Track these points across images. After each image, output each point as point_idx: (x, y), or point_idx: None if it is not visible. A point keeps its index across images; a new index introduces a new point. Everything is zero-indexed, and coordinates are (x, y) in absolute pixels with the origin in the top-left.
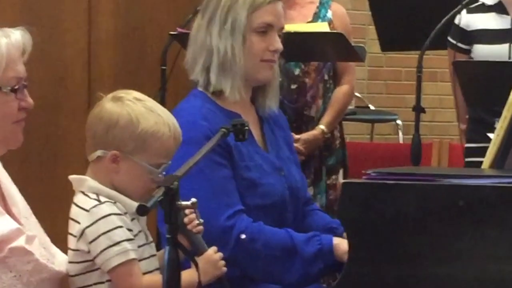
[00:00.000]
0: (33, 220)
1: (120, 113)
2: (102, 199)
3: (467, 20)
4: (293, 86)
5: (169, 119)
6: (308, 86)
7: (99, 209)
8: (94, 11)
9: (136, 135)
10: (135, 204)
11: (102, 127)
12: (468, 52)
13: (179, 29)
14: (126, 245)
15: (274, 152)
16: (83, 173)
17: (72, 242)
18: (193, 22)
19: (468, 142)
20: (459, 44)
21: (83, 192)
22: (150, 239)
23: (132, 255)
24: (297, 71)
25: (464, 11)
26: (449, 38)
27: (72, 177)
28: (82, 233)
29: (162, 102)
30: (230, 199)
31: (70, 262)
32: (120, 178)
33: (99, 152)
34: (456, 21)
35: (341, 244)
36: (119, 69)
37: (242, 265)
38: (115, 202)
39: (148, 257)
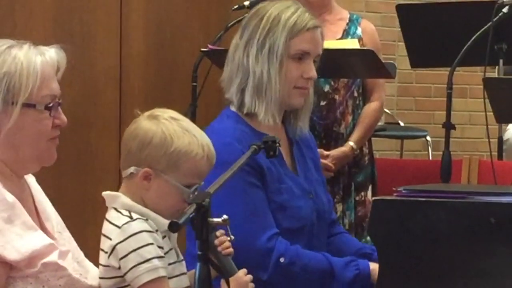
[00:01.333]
0: (66, 234)
1: (155, 131)
2: (134, 215)
3: None
4: (323, 103)
5: (203, 140)
6: (337, 102)
7: (130, 226)
8: (125, 28)
9: (169, 153)
10: (166, 222)
11: (136, 144)
12: None
13: (210, 46)
14: (156, 262)
15: (303, 174)
16: (114, 189)
17: (103, 258)
18: (224, 39)
19: None
20: None
21: (115, 209)
22: (181, 257)
23: (162, 273)
24: (326, 88)
25: None
26: None
27: (105, 193)
28: (113, 249)
29: (193, 119)
30: (267, 221)
31: (101, 278)
32: (151, 195)
33: (132, 169)
34: None
35: (378, 269)
36: (150, 85)
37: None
38: (146, 219)
39: (179, 275)
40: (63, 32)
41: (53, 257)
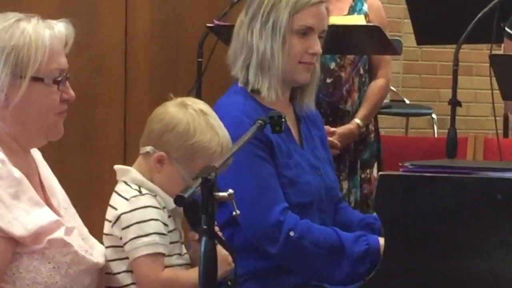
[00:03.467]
0: (72, 211)
1: (181, 119)
2: (144, 191)
3: None
4: (329, 80)
5: (224, 139)
6: (343, 80)
7: (138, 200)
8: (131, 3)
9: (188, 145)
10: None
11: (159, 127)
12: None
13: (216, 22)
14: (156, 238)
15: (311, 151)
16: (119, 164)
17: (107, 227)
18: (230, 15)
19: None
20: None
21: (125, 182)
22: (183, 238)
23: (160, 249)
24: (332, 65)
25: None
26: (507, 29)
27: (117, 166)
28: (118, 218)
29: (198, 94)
30: (277, 195)
31: (106, 247)
32: (160, 178)
33: (148, 148)
34: None
35: None
36: (155, 61)
37: (290, 262)
38: (155, 196)
39: (178, 254)
40: (69, 7)
41: (59, 233)
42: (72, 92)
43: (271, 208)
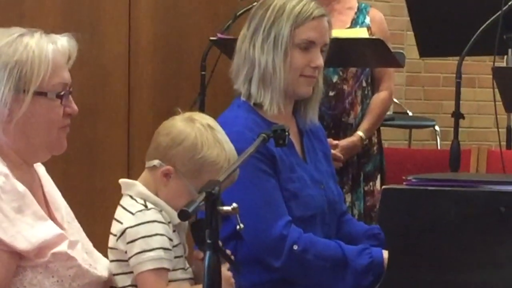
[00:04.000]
0: (76, 225)
1: (188, 134)
2: (149, 205)
3: None
4: (331, 93)
5: (230, 154)
6: (346, 93)
7: (144, 214)
8: (134, 17)
9: (195, 160)
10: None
11: (167, 141)
12: None
13: (219, 35)
14: (161, 253)
15: (313, 164)
16: (123, 177)
17: (111, 241)
18: (233, 28)
19: None
20: None
21: (131, 196)
22: (187, 252)
23: (165, 264)
24: (335, 78)
25: None
26: None
27: (122, 180)
28: (123, 232)
29: (201, 108)
30: (281, 209)
31: (111, 261)
32: (166, 192)
33: (155, 162)
34: None
35: None
36: (158, 74)
37: (293, 275)
38: (160, 211)
39: (183, 268)
40: (72, 20)
41: (62, 247)
42: (75, 107)
43: (274, 221)
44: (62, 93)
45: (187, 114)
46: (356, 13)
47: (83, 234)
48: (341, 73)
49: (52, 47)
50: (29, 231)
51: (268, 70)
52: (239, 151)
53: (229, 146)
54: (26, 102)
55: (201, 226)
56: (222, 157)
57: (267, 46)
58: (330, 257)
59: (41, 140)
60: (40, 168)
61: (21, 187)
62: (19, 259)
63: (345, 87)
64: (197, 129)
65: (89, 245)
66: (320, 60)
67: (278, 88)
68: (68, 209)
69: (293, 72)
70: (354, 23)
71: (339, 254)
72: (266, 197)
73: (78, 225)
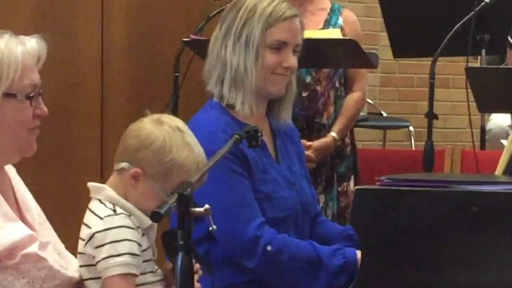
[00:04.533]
0: (47, 226)
1: (157, 136)
2: (118, 210)
3: None
4: (304, 94)
5: (200, 157)
6: (319, 93)
7: (113, 219)
8: (107, 18)
9: (164, 162)
10: (148, 220)
11: (135, 143)
12: None
13: (192, 36)
14: (129, 258)
15: (286, 166)
16: (96, 180)
17: (80, 246)
18: (206, 29)
19: None
20: None
21: (99, 200)
22: (156, 255)
23: (132, 270)
24: (308, 79)
25: None
26: (509, 39)
27: (90, 184)
28: (91, 237)
29: (175, 109)
30: (254, 210)
31: (80, 266)
32: (135, 194)
33: (124, 164)
34: None
35: None
36: (132, 75)
37: (267, 276)
38: (129, 215)
39: (151, 271)
40: (45, 22)
41: (33, 248)
42: (45, 108)
43: (248, 222)
44: (32, 94)
45: (156, 116)
46: (329, 14)
47: (55, 235)
48: (314, 73)
49: (21, 49)
50: None
51: (239, 71)
52: (212, 152)
53: (198, 149)
54: None
55: (172, 236)
56: (191, 159)
57: (239, 47)
58: (304, 257)
59: (11, 141)
60: (10, 170)
61: None
62: None
63: (318, 87)
64: (165, 131)
65: (61, 246)
66: (292, 60)
67: (250, 89)
68: (39, 210)
69: (264, 71)
70: (326, 24)
71: (312, 255)
72: (239, 198)
73: (49, 226)
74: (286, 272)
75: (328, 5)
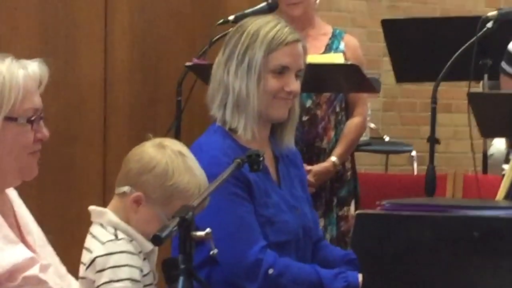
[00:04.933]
0: (48, 249)
1: (159, 161)
2: (120, 235)
3: None
4: (305, 118)
5: (202, 181)
6: (319, 117)
7: (114, 244)
8: (110, 42)
9: (166, 186)
10: (150, 245)
11: (138, 167)
12: None
13: (195, 60)
14: (129, 284)
15: (288, 190)
16: (98, 204)
17: (81, 270)
18: (209, 53)
19: None
20: (511, 70)
21: (101, 224)
22: (157, 279)
23: None
24: (308, 103)
25: None
26: (502, 65)
27: (92, 208)
28: (92, 261)
29: (177, 133)
30: (256, 233)
31: None
32: (136, 218)
33: (126, 188)
34: (510, 47)
35: None
36: (134, 100)
37: None
38: (131, 240)
39: None
40: (48, 47)
41: (34, 270)
42: (46, 132)
43: (250, 246)
44: (33, 118)
45: (158, 140)
46: (330, 38)
47: (56, 258)
48: (314, 98)
49: (23, 73)
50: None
51: (242, 95)
52: (214, 176)
53: (200, 173)
54: None
55: (172, 264)
56: (193, 184)
57: (241, 72)
58: (306, 281)
59: (12, 165)
60: (12, 192)
61: None
62: None
63: (318, 112)
64: (168, 156)
65: (62, 269)
66: (295, 85)
67: (252, 113)
68: (41, 233)
69: (267, 96)
70: (328, 49)
71: (314, 278)
72: (241, 221)
73: (51, 249)
74: None
75: (329, 30)
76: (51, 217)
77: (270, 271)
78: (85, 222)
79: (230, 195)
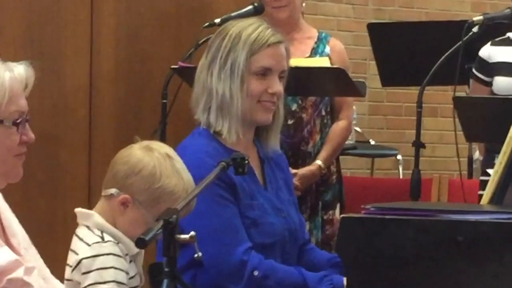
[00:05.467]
0: (32, 251)
1: (147, 163)
2: (106, 237)
3: (489, 52)
4: (290, 122)
5: (189, 184)
6: (305, 121)
7: (100, 247)
8: (96, 45)
9: (153, 189)
10: (136, 248)
11: (125, 169)
12: (489, 84)
13: (180, 63)
14: (114, 286)
15: (274, 192)
16: (83, 207)
17: (68, 272)
18: (195, 56)
19: (482, 174)
20: (481, 76)
21: (87, 227)
22: (143, 281)
23: None
24: (294, 107)
25: (488, 44)
26: (473, 70)
27: (78, 210)
28: (79, 263)
29: (163, 136)
30: (240, 235)
31: None
32: (123, 220)
33: (112, 191)
34: (480, 53)
35: None
36: (120, 102)
37: None
38: (117, 243)
39: None
40: (33, 49)
41: (18, 273)
42: (31, 134)
43: (234, 247)
44: (19, 120)
45: (145, 142)
46: (316, 42)
47: (41, 261)
48: (300, 101)
49: (9, 75)
50: None
51: (225, 98)
52: (199, 178)
53: (187, 176)
54: None
55: (159, 269)
56: (180, 187)
57: (224, 75)
58: (291, 283)
59: None
60: None
61: None
62: None
63: (304, 115)
64: (155, 159)
65: (46, 271)
66: (278, 87)
67: (236, 116)
68: (25, 235)
69: (250, 99)
70: (314, 53)
71: (299, 281)
72: (226, 223)
73: (35, 252)
74: None
75: (315, 34)
76: (37, 220)
77: (255, 272)
78: (71, 224)
79: (215, 197)
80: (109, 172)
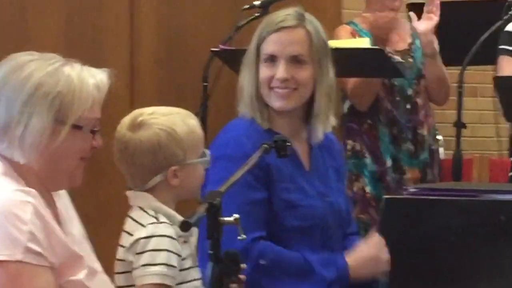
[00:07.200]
0: (85, 246)
1: (155, 134)
2: (161, 218)
3: None
4: (408, 106)
5: (186, 117)
6: (419, 106)
7: (156, 227)
8: (136, 29)
9: (179, 142)
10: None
11: (147, 155)
12: None
13: (221, 46)
14: (165, 269)
15: (319, 177)
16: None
17: (121, 252)
18: (235, 39)
19: None
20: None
21: (141, 208)
22: (197, 263)
23: (166, 281)
24: (409, 91)
25: None
26: (502, 46)
27: (129, 192)
28: (134, 242)
29: (204, 119)
30: (253, 223)
31: (116, 273)
32: (185, 185)
33: (158, 178)
34: (508, 28)
35: (355, 268)
36: (161, 85)
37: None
38: (172, 224)
39: (191, 280)
40: (74, 33)
41: (80, 276)
42: (100, 141)
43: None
44: (96, 128)
45: (129, 126)
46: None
47: (93, 257)
48: (415, 86)
49: (93, 82)
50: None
51: (248, 88)
52: (232, 157)
53: (177, 111)
54: (62, 133)
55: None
56: (182, 121)
57: (244, 66)
58: (296, 270)
59: (65, 170)
60: (62, 193)
61: (48, 216)
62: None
63: (418, 100)
64: (154, 125)
65: (97, 266)
66: (280, 71)
67: (258, 104)
68: (82, 229)
69: (263, 87)
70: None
71: (306, 267)
72: (241, 209)
73: (89, 247)
74: (277, 284)
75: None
76: (80, 205)
77: (261, 261)
78: (114, 209)
79: (240, 183)
80: (133, 171)
